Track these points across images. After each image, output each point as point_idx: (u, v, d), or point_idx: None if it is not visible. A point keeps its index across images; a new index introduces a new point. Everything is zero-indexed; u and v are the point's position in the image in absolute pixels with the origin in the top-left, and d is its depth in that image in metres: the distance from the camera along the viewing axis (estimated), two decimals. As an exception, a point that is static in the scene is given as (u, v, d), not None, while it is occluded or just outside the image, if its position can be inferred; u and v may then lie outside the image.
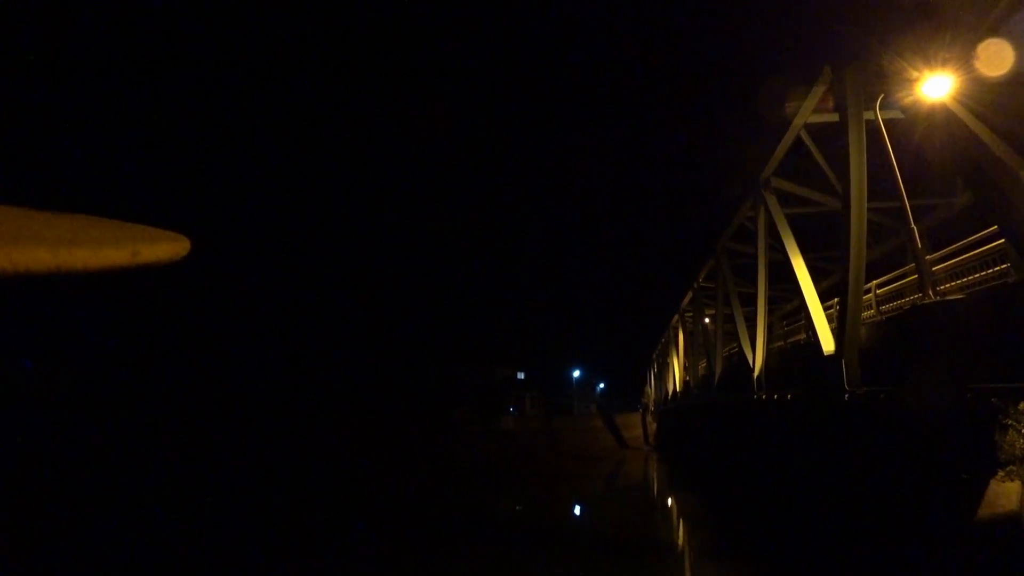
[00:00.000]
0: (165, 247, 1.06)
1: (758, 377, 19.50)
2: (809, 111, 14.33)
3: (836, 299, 13.44)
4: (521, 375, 63.63)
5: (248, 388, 37.93)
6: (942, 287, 10.31)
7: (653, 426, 52.30)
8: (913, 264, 10.99)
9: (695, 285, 31.70)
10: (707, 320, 31.97)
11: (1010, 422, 7.28)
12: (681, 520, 19.88)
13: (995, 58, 8.96)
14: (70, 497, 19.62)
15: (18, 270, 0.77)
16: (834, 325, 13.49)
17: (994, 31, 8.80)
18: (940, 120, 8.57)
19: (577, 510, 22.82)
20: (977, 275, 9.55)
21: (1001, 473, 7.09)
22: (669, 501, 24.25)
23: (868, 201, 11.93)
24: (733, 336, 24.10)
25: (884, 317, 12.80)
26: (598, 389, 75.23)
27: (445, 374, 54.34)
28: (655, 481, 31.59)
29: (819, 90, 13.25)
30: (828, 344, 13.66)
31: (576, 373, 71.33)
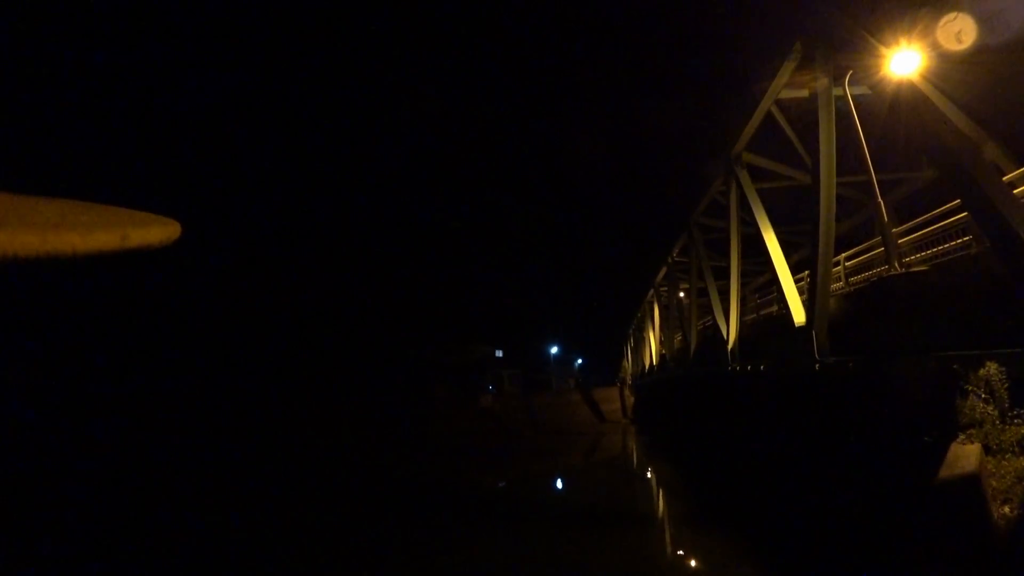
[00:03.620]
0: (155, 231, 1.06)
1: (732, 349, 19.97)
2: (780, 87, 14.48)
3: (806, 272, 13.79)
4: (499, 353, 63.90)
5: (228, 374, 37.57)
6: (907, 259, 10.64)
7: (631, 399, 53.21)
8: (880, 237, 11.32)
9: (669, 260, 32.11)
10: (682, 294, 32.49)
11: (970, 388, 7.62)
12: (659, 490, 20.42)
13: (957, 33, 9.16)
14: (61, 495, 19.38)
15: (6, 254, 0.77)
16: (804, 297, 13.85)
17: (957, 6, 8.98)
18: (906, 96, 8.76)
19: (559, 484, 23.27)
20: (941, 247, 9.88)
21: (962, 436, 7.44)
22: (647, 472, 24.84)
23: (837, 175, 12.19)
24: (707, 309, 24.57)
25: (852, 289, 13.18)
26: (576, 365, 76.02)
27: (423, 354, 54.33)
28: (634, 453, 32.28)
29: (790, 66, 13.38)
30: (799, 316, 14.05)
31: (554, 350, 71.97)
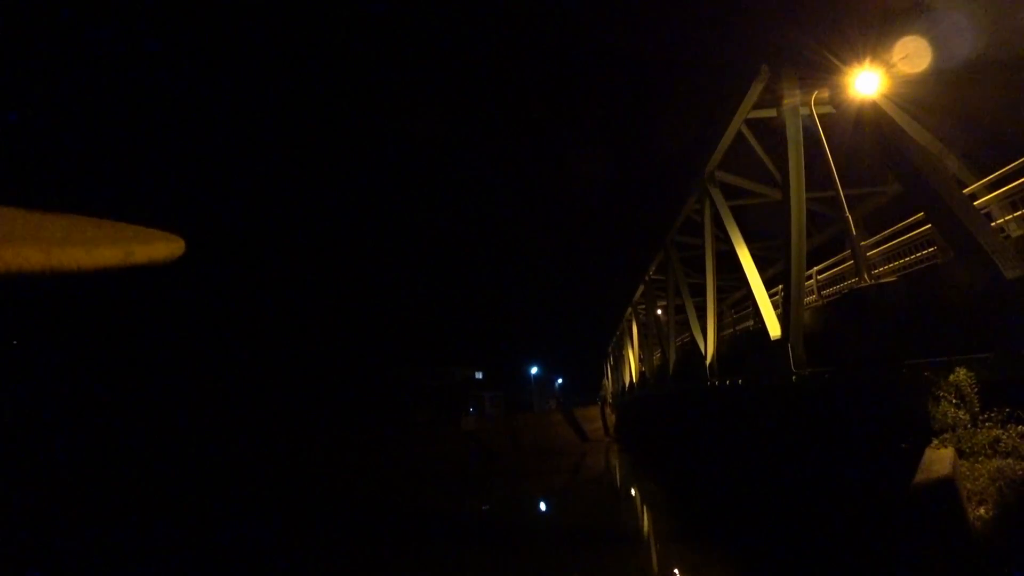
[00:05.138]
0: (159, 247, 1.06)
1: (710, 364, 20.20)
2: (749, 107, 14.94)
3: (781, 286, 14.09)
4: (479, 375, 63.61)
5: (205, 397, 36.97)
6: (877, 271, 10.97)
7: (612, 418, 53.21)
8: (850, 250, 11.65)
9: (646, 278, 32.47)
10: (659, 312, 32.80)
11: (942, 394, 7.84)
12: (643, 508, 20.35)
13: (915, 55, 9.60)
14: (61, 501, 18.94)
15: (10, 269, 0.76)
16: (780, 311, 14.12)
17: (911, 30, 9.42)
18: (869, 114, 9.12)
19: (543, 506, 23.06)
20: (908, 259, 10.21)
21: (935, 441, 7.63)
22: (632, 490, 24.77)
23: (807, 191, 12.56)
24: (685, 326, 24.84)
25: (825, 301, 13.49)
26: (557, 385, 75.95)
27: (404, 377, 53.79)
28: (617, 471, 32.17)
29: (758, 87, 13.84)
30: (774, 329, 14.31)
31: (534, 370, 71.88)
